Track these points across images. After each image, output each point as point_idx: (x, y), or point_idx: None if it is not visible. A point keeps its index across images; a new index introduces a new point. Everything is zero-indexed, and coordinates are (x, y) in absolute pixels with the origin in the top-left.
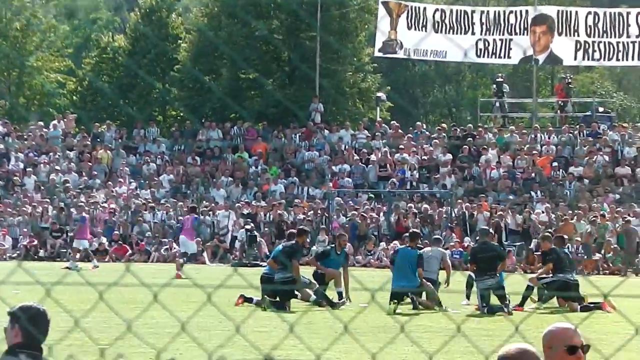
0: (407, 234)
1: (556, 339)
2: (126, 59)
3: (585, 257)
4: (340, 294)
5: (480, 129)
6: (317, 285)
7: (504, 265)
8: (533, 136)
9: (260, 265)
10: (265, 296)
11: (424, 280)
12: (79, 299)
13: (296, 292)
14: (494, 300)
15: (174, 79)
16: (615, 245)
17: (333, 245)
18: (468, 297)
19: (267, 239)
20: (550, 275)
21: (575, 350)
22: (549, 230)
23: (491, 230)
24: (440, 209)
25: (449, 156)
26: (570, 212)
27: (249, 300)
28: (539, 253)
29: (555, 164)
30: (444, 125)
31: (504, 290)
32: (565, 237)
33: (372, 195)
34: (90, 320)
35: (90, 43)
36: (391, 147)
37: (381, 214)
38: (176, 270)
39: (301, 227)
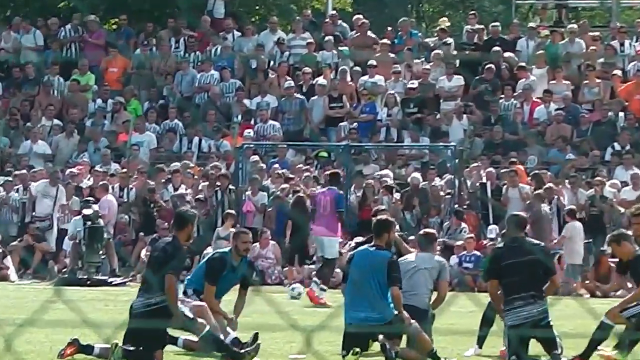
0: (372, 224)
1: None
2: None
3: None
4: (235, 341)
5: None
6: (206, 326)
7: (556, 282)
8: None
9: (109, 283)
10: (115, 342)
11: (402, 310)
12: None
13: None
14: (536, 347)
15: None
16: None
17: (225, 251)
18: (480, 343)
19: (123, 233)
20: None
21: None
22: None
23: (533, 215)
24: (438, 177)
25: (459, 80)
26: None
27: (85, 349)
28: (616, 260)
29: None
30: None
31: (553, 330)
32: None
33: (324, 153)
34: None
35: None
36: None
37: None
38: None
39: (182, 210)
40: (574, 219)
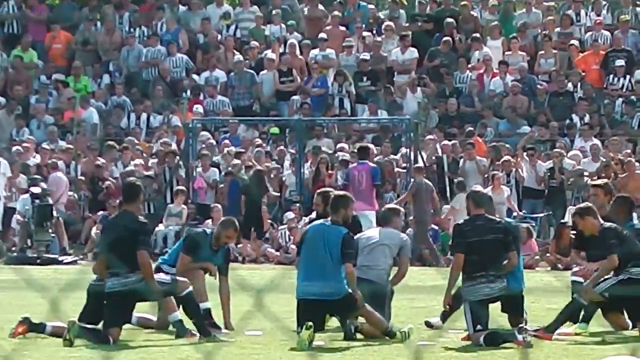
0: (330, 199)
1: None
2: None
3: None
4: (207, 312)
5: None
6: (189, 287)
7: (512, 260)
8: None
9: (59, 262)
10: (73, 320)
11: (355, 289)
12: None
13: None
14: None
15: None
16: None
17: (206, 231)
18: (444, 317)
19: (72, 211)
20: (612, 274)
21: None
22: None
23: (494, 189)
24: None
25: (413, 53)
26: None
27: (36, 327)
28: (577, 233)
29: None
30: None
31: (521, 303)
32: (629, 197)
33: (275, 129)
34: None
35: None
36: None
37: (286, 158)
38: None
39: (131, 181)
40: (463, 191)
